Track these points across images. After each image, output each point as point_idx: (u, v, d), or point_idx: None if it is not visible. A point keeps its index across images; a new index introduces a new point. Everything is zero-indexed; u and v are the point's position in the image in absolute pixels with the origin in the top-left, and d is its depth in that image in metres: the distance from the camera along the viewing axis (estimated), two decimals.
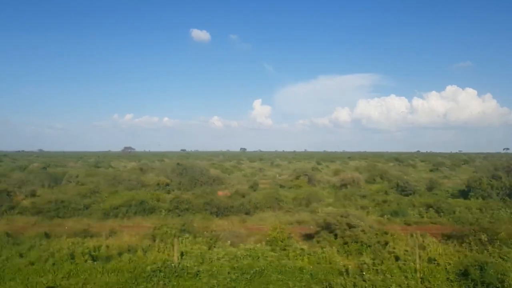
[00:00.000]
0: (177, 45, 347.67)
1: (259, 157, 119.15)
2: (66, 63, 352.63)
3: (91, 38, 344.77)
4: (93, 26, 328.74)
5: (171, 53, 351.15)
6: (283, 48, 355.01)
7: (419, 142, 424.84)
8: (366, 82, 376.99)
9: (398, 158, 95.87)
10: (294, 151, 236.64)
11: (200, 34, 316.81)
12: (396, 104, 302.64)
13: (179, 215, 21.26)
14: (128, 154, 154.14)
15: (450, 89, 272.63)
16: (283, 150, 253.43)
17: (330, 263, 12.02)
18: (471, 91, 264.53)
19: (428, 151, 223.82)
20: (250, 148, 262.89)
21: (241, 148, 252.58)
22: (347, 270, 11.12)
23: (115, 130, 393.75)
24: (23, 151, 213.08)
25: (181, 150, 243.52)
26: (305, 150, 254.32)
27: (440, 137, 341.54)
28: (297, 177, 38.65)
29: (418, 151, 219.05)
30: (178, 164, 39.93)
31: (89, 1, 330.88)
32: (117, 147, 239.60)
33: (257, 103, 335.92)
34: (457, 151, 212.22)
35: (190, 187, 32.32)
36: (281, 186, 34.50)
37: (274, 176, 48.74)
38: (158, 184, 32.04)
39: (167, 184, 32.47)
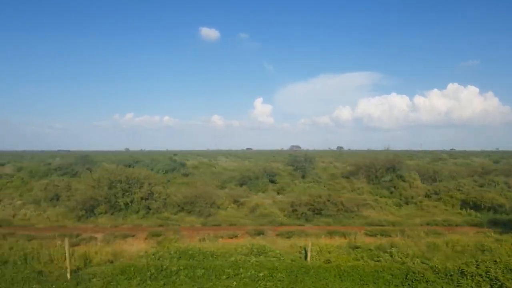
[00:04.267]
0: (181, 44, 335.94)
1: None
2: (66, 63, 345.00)
3: (91, 38, 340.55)
4: (94, 26, 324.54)
5: (173, 53, 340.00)
6: (283, 47, 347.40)
7: (421, 141, 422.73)
8: (367, 81, 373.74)
9: None
10: (329, 148, 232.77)
11: (209, 33, 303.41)
12: (398, 103, 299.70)
13: None
14: (295, 153, 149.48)
15: (452, 87, 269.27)
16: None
17: None
18: (472, 89, 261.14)
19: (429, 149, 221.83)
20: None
21: (338, 147, 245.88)
22: None
23: (116, 130, 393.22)
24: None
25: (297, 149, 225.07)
26: (329, 148, 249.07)
27: (442, 135, 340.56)
28: None
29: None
30: None
31: (90, 1, 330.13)
32: (116, 147, 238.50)
33: (258, 102, 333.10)
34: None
35: None
36: None
37: None
38: None
39: None
